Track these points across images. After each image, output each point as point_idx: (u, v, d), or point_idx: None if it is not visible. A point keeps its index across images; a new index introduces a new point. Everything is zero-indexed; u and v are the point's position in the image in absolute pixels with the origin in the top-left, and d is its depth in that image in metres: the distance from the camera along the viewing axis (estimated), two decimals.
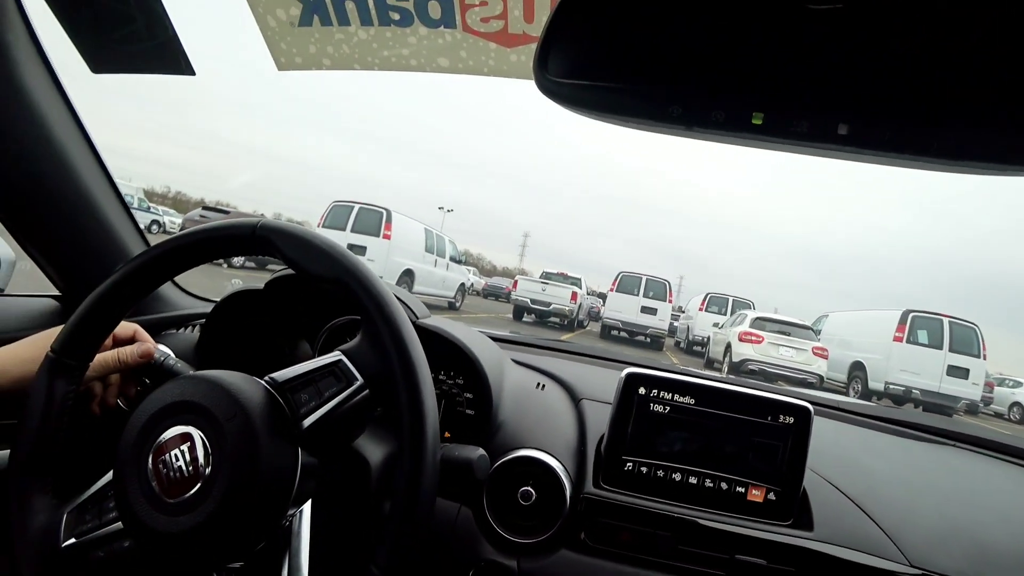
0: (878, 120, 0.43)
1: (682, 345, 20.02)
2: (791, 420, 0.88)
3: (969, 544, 0.87)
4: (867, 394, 12.33)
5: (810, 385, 11.18)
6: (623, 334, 16.48)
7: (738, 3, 0.43)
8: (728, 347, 12.19)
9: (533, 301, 15.75)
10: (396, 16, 0.94)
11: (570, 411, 1.05)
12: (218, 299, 1.08)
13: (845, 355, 13.12)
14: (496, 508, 0.90)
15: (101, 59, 1.01)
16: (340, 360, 0.67)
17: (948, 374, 11.57)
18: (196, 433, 0.60)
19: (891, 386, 11.74)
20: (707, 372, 1.14)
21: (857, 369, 12.92)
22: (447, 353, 0.98)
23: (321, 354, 1.00)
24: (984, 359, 11.90)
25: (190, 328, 1.21)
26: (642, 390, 0.90)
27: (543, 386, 1.12)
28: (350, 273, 0.67)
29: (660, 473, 0.89)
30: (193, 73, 1.02)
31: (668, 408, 0.89)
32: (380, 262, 11.59)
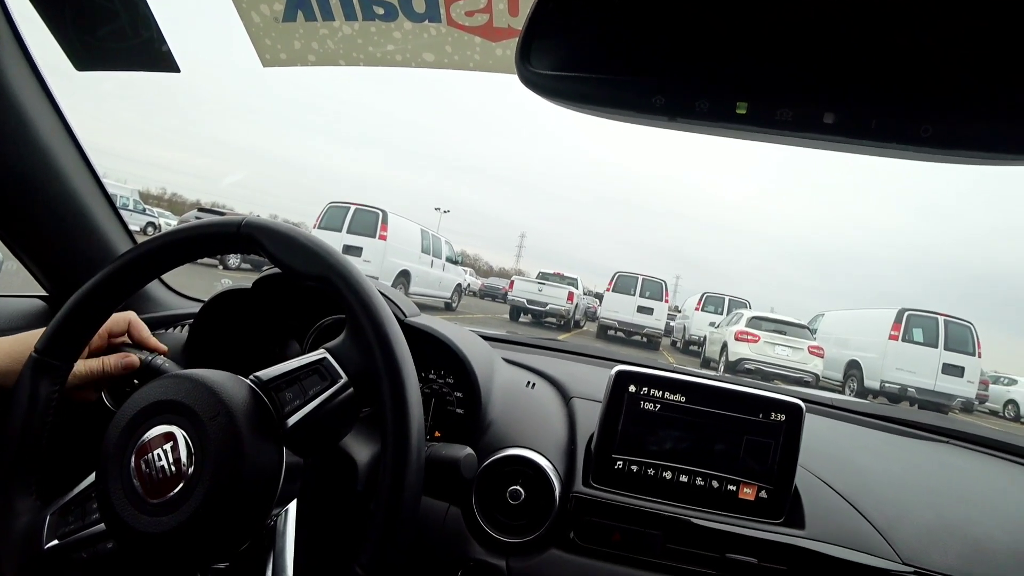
0: (865, 108, 0.42)
1: (678, 345, 20.05)
2: (783, 418, 0.88)
3: (961, 541, 0.87)
4: (863, 392, 12.36)
5: (806, 384, 11.20)
6: (620, 334, 16.48)
7: None
8: (724, 346, 12.20)
9: (529, 302, 15.73)
10: (380, 11, 0.93)
11: (560, 410, 1.04)
12: (207, 299, 1.07)
13: (841, 354, 13.15)
14: (485, 507, 0.89)
15: (85, 57, 1.00)
16: (324, 358, 0.66)
17: (943, 372, 11.61)
18: (179, 432, 0.59)
19: (887, 384, 11.78)
20: (699, 370, 1.14)
21: (853, 368, 12.96)
22: (436, 352, 0.97)
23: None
24: (979, 357, 11.95)
25: (179, 328, 1.20)
26: (632, 388, 0.89)
27: (533, 385, 1.11)
28: (334, 270, 0.66)
29: (650, 471, 0.89)
30: (178, 70, 1.01)
31: (659, 406, 0.89)
32: (376, 263, 11.57)
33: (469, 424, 0.96)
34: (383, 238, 11.69)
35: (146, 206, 25.17)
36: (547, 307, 15.65)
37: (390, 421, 0.62)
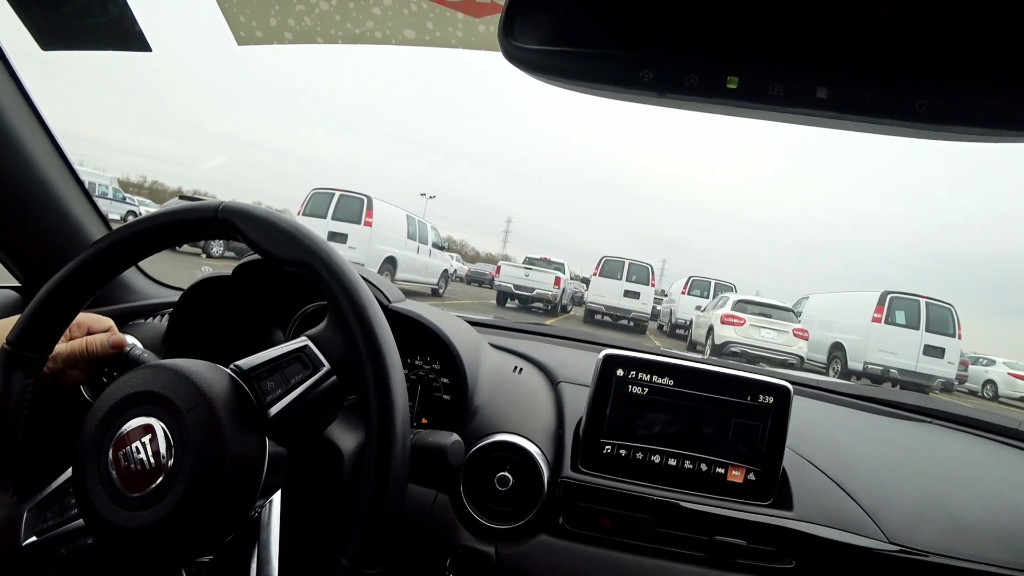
0: (858, 82, 0.41)
1: (665, 328, 20.17)
2: (770, 400, 0.87)
3: (945, 518, 0.88)
4: (846, 374, 12.53)
5: (791, 366, 11.33)
6: (607, 318, 16.54)
7: None
8: (710, 329, 12.30)
9: (516, 287, 15.72)
10: None
11: (548, 394, 1.03)
12: (186, 287, 1.04)
13: (825, 336, 13.30)
14: (473, 494, 0.88)
15: (50, 36, 0.96)
16: (306, 346, 0.65)
17: (925, 353, 11.80)
18: (158, 424, 0.58)
19: (870, 366, 11.95)
20: (687, 353, 1.13)
21: (837, 350, 13.12)
22: (422, 338, 0.96)
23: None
24: (959, 339, 12.14)
25: (158, 317, 1.17)
26: (620, 372, 0.88)
27: (520, 370, 1.10)
28: (315, 255, 0.64)
29: (639, 455, 0.88)
30: (149, 49, 0.97)
31: (646, 390, 0.88)
32: (362, 250, 11.49)
33: (456, 410, 0.94)
34: (368, 224, 11.60)
35: (126, 195, 24.84)
36: (534, 292, 15.65)
37: (374, 409, 0.60)
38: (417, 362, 0.97)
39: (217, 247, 14.40)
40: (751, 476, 0.88)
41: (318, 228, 11.62)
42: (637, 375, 0.88)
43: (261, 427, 0.62)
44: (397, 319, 0.95)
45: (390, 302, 0.96)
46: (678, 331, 17.96)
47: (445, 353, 0.95)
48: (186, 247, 14.22)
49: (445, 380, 0.96)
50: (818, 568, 0.83)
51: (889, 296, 12.29)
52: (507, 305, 16.17)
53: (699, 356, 0.90)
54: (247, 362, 0.64)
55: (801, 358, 11.51)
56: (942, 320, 12.08)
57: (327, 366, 0.64)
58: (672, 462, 0.88)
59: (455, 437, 0.77)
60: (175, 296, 1.26)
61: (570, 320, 16.75)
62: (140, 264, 1.22)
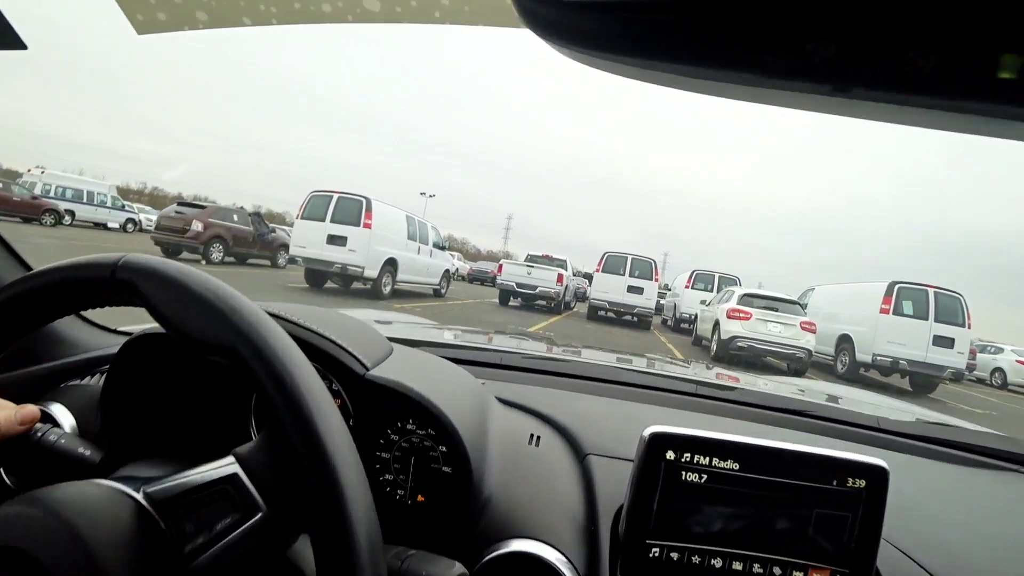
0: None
1: (669, 323, 20.01)
2: (862, 484, 0.70)
3: None
4: (855, 366, 12.37)
5: (799, 360, 11.16)
6: (610, 314, 16.38)
7: None
8: (716, 324, 12.12)
9: (519, 285, 15.56)
10: None
11: (574, 472, 0.85)
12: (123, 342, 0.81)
13: (832, 328, 13.13)
14: None
15: None
16: (235, 475, 0.48)
17: (934, 344, 11.62)
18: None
19: (878, 357, 11.78)
20: (750, 441, 0.88)
21: (844, 342, 12.95)
22: (413, 403, 0.78)
23: (257, 416, 0.80)
24: (969, 328, 11.97)
25: (96, 376, 0.95)
26: (670, 454, 0.70)
27: (538, 439, 0.91)
28: (244, 337, 0.47)
29: (695, 559, 0.70)
30: (24, 47, 0.79)
31: (705, 476, 0.70)
32: (361, 252, 11.31)
33: (460, 490, 0.76)
34: (367, 226, 11.39)
35: (125, 202, 24.70)
36: (537, 290, 15.48)
37: (328, 553, 0.44)
38: (409, 426, 0.78)
39: (217, 252, 14.25)
40: None
41: (317, 231, 11.56)
42: (693, 458, 0.70)
43: None
44: (378, 391, 0.77)
45: (368, 369, 0.77)
46: (683, 326, 17.79)
47: (442, 427, 0.77)
48: (184, 254, 14.10)
49: (443, 448, 0.77)
50: None
51: (897, 286, 12.11)
52: (510, 304, 16.00)
53: (763, 441, 0.70)
54: (162, 490, 0.47)
55: (809, 351, 11.31)
56: (951, 309, 11.90)
57: (263, 511, 0.48)
58: (738, 566, 0.71)
59: (458, 570, 0.61)
60: (117, 344, 1.05)
61: (573, 317, 16.58)
62: None
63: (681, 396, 1.20)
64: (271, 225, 17.49)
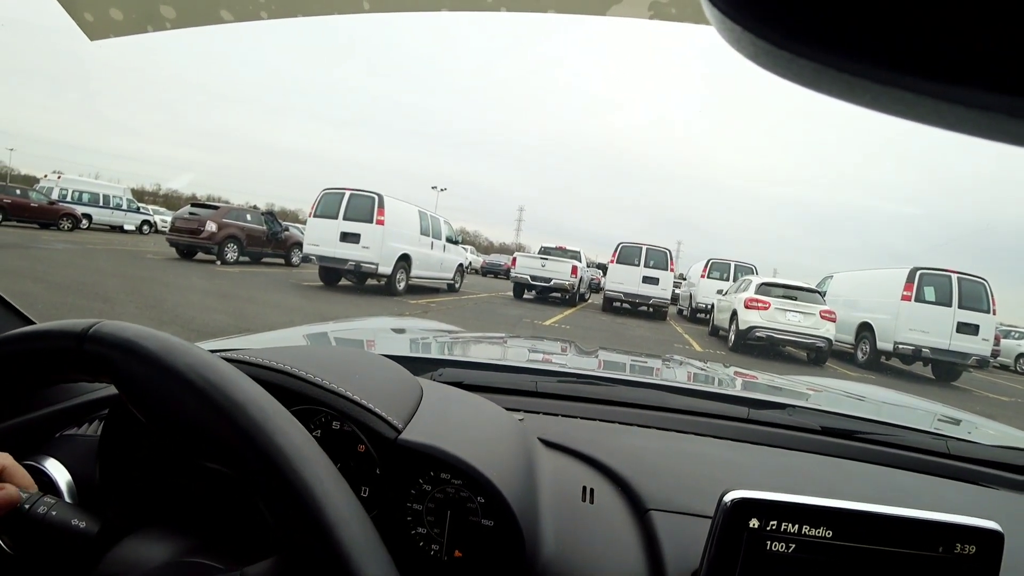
0: None
1: (685, 313, 19.89)
2: (972, 550, 0.61)
3: None
4: (875, 355, 12.19)
5: (819, 349, 11.01)
6: (625, 305, 16.28)
7: None
8: (734, 314, 11.99)
9: (533, 277, 15.49)
10: None
11: (634, 532, 0.77)
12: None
13: (852, 316, 12.95)
14: None
15: None
16: None
17: (958, 331, 11.41)
18: None
19: (900, 346, 11.59)
20: (844, 505, 0.77)
21: (865, 330, 12.77)
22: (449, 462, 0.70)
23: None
24: (994, 314, 11.73)
25: (93, 424, 0.88)
26: (754, 522, 0.62)
27: (592, 493, 0.82)
28: (247, 436, 0.38)
29: None
30: None
31: (793, 546, 0.62)
32: (375, 249, 11.30)
33: (505, 543, 0.68)
34: (380, 223, 11.36)
35: (140, 204, 24.92)
36: (551, 282, 15.42)
37: None
38: (443, 475, 0.70)
39: (231, 252, 14.29)
40: None
41: (330, 229, 11.56)
42: (780, 526, 0.62)
43: None
44: (410, 456, 0.69)
45: (399, 432, 0.70)
46: (699, 315, 17.65)
47: (482, 483, 0.69)
48: (199, 254, 14.14)
49: (481, 500, 0.69)
50: None
51: (919, 272, 11.89)
52: (524, 296, 15.94)
53: (864, 506, 0.62)
54: None
55: (829, 340, 11.16)
56: (975, 295, 11.67)
57: None
58: None
59: None
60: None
61: (588, 308, 16.50)
62: None
63: (735, 424, 1.11)
64: (284, 223, 17.53)
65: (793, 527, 0.62)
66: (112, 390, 0.94)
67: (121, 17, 0.68)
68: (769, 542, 0.62)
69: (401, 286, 12.22)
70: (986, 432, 1.40)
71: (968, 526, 0.61)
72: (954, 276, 11.74)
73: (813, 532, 0.62)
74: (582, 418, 1.06)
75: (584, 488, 0.82)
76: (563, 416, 1.05)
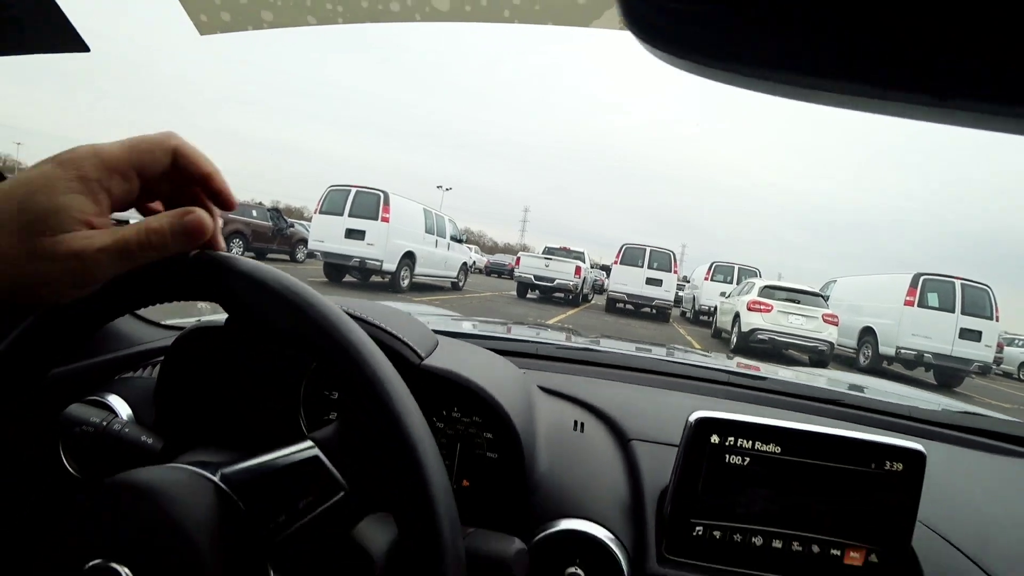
0: None
1: (688, 315, 19.94)
2: (899, 467, 0.70)
3: None
4: (877, 359, 12.22)
5: (821, 352, 11.05)
6: (629, 306, 16.34)
7: None
8: (737, 316, 12.04)
9: (537, 277, 15.57)
10: None
11: (618, 457, 0.86)
12: (177, 335, 0.84)
13: (855, 320, 12.97)
14: None
15: None
16: (316, 457, 0.49)
17: (960, 337, 11.42)
18: (123, 571, 0.43)
19: (903, 351, 11.61)
20: (792, 412, 0.92)
21: (867, 334, 12.79)
22: (461, 390, 0.79)
23: (305, 406, 0.81)
24: (997, 320, 11.73)
25: (148, 369, 0.97)
26: (715, 438, 0.71)
27: (582, 426, 0.92)
28: (323, 330, 0.47)
29: (737, 537, 0.71)
30: (87, 49, 0.80)
31: (747, 459, 0.70)
32: (380, 246, 11.35)
33: (509, 476, 0.77)
34: (385, 220, 11.42)
35: None
36: (555, 282, 15.49)
37: (413, 539, 0.45)
38: (455, 414, 0.80)
39: (236, 247, 14.39)
40: (872, 558, 0.71)
41: (336, 226, 11.60)
42: (736, 442, 0.71)
43: (261, 557, 0.47)
44: (429, 378, 0.78)
45: (422, 359, 0.79)
46: (701, 318, 17.71)
47: (491, 413, 0.78)
48: None
49: (488, 435, 0.79)
50: None
51: (922, 278, 11.90)
52: (528, 296, 16.02)
53: (812, 423, 0.71)
54: (238, 473, 0.49)
55: (831, 344, 11.20)
56: (979, 302, 11.68)
57: (344, 489, 0.49)
58: (778, 544, 0.71)
59: (518, 545, 0.61)
60: (168, 338, 1.08)
61: (591, 309, 16.58)
62: None
63: (716, 385, 1.19)
64: (289, 220, 17.65)
65: (748, 443, 0.70)
66: (162, 342, 1.05)
67: (229, 19, 0.78)
68: (727, 456, 0.71)
69: (405, 283, 12.29)
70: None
71: (897, 446, 0.70)
72: (957, 282, 11.75)
73: (765, 448, 0.70)
74: (577, 375, 1.14)
75: (576, 422, 0.92)
76: (560, 374, 1.13)
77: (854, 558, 0.71)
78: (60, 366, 0.52)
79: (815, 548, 0.71)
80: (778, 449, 0.70)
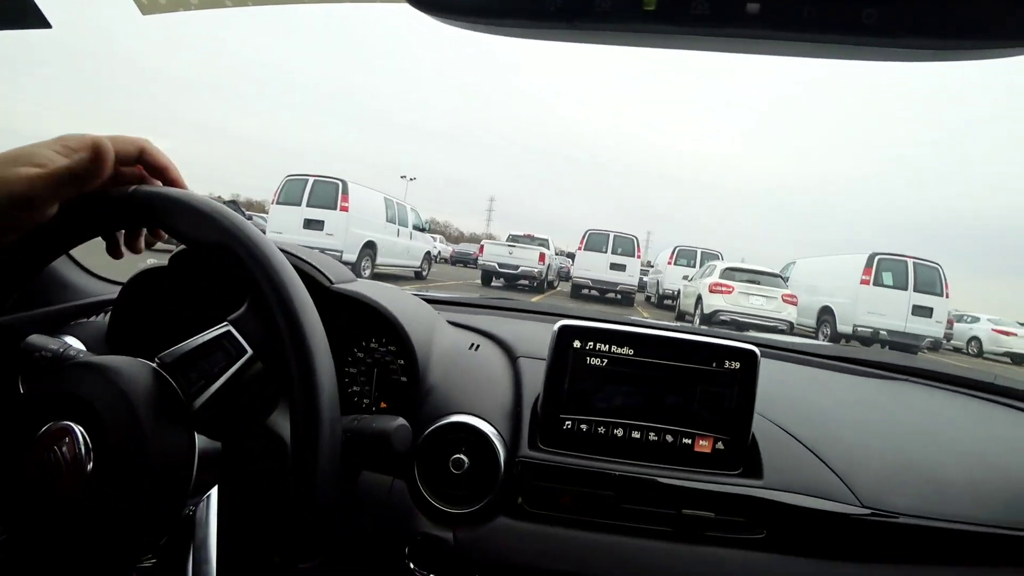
0: None
1: (652, 299, 20.20)
2: (737, 365, 0.83)
3: (921, 480, 0.84)
4: (836, 337, 12.60)
5: (781, 332, 11.35)
6: (594, 292, 16.51)
7: None
8: (699, 299, 12.28)
9: (501, 265, 15.57)
10: None
11: (506, 371, 0.99)
12: (126, 280, 0.97)
13: (813, 300, 13.36)
14: (428, 479, 0.83)
15: None
16: (228, 331, 0.60)
17: (913, 314, 11.87)
18: (76, 428, 0.53)
19: (859, 328, 12.01)
20: (650, 320, 1.08)
21: (826, 314, 13.19)
22: (373, 319, 0.90)
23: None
24: (947, 297, 12.20)
25: (102, 315, 1.07)
26: (577, 343, 0.83)
27: (477, 347, 1.05)
28: (231, 235, 0.59)
29: (600, 430, 0.84)
30: (48, 25, 0.87)
31: (606, 360, 0.83)
32: (339, 236, 11.26)
33: (411, 392, 0.90)
34: (344, 209, 11.34)
35: None
36: (519, 269, 15.53)
37: (298, 393, 0.56)
38: (372, 344, 0.92)
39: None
40: (719, 445, 0.84)
41: (293, 216, 11.40)
42: (595, 346, 0.83)
43: (187, 421, 0.58)
44: (343, 301, 0.90)
45: (332, 283, 0.90)
46: (666, 301, 17.98)
47: (396, 333, 0.90)
48: (159, 244, 13.91)
49: (401, 362, 0.91)
50: (790, 537, 0.79)
51: (877, 258, 12.32)
52: (492, 284, 16.08)
53: (662, 323, 0.84)
54: (170, 354, 0.59)
55: (791, 323, 11.53)
56: (929, 279, 12.14)
57: (249, 352, 0.59)
58: (636, 435, 0.84)
59: (400, 421, 0.72)
60: (116, 292, 1.18)
61: (557, 296, 16.72)
62: (78, 259, 1.15)
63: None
64: (248, 213, 17.42)
65: (605, 347, 0.83)
66: (111, 295, 1.15)
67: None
68: (588, 358, 0.83)
69: (366, 273, 12.18)
70: None
71: (734, 347, 0.83)
72: (910, 261, 12.19)
73: (619, 350, 0.83)
74: (486, 315, 1.26)
75: (472, 344, 1.05)
76: (471, 314, 1.24)
77: (703, 446, 0.84)
78: (15, 296, 0.64)
79: (669, 438, 0.84)
80: (632, 351, 0.83)
